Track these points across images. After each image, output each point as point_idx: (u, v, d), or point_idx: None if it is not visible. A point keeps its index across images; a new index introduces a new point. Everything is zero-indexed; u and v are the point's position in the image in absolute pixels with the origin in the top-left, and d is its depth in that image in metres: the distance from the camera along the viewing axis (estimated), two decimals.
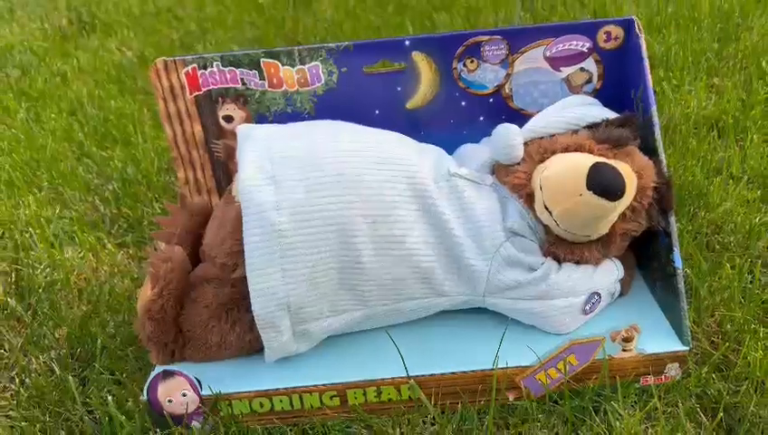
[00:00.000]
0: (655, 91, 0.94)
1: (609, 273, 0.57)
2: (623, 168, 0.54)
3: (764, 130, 0.85)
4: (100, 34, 1.45)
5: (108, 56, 1.32)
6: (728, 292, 0.63)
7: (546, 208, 0.54)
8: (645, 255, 0.61)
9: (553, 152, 0.57)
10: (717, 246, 0.69)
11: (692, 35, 1.07)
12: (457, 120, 0.66)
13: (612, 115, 0.60)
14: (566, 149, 0.56)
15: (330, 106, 0.66)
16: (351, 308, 0.56)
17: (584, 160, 0.52)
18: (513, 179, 0.57)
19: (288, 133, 0.57)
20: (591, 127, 0.59)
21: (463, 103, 0.66)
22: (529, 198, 0.56)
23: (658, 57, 1.01)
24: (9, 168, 0.94)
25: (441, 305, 0.58)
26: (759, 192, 0.75)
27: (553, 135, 0.58)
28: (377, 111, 0.66)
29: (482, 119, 0.66)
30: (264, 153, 0.54)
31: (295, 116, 0.66)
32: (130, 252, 0.79)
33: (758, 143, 0.81)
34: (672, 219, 0.56)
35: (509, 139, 0.56)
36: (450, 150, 0.65)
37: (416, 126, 0.67)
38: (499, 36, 0.62)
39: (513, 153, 0.57)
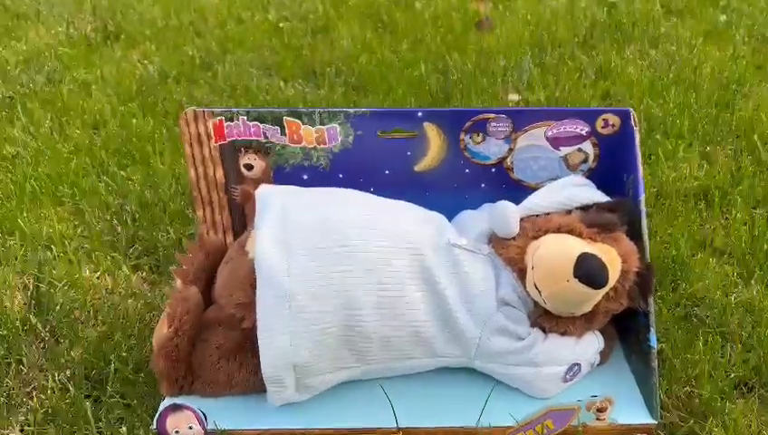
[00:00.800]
0: (650, 157, 0.99)
1: (590, 344, 0.62)
2: (608, 254, 0.59)
3: (750, 204, 0.90)
4: (123, 45, 1.49)
5: (130, 69, 1.37)
6: (699, 366, 0.68)
7: (536, 287, 0.59)
8: (624, 327, 0.66)
9: (546, 231, 0.62)
10: (695, 320, 0.74)
11: (691, 102, 1.12)
12: (461, 185, 0.71)
13: (604, 198, 0.65)
14: (558, 230, 0.61)
15: (344, 164, 0.71)
16: (352, 365, 0.61)
17: (573, 248, 0.57)
18: (508, 253, 0.62)
19: (303, 202, 0.62)
20: (584, 208, 0.64)
21: (467, 171, 0.71)
22: (521, 273, 0.61)
23: (657, 122, 1.06)
24: (34, 181, 0.98)
25: (435, 365, 0.63)
26: (738, 268, 0.80)
27: (548, 213, 0.63)
28: (387, 172, 0.71)
29: (483, 186, 0.71)
30: (279, 223, 0.60)
31: (311, 170, 0.71)
32: (144, 275, 0.84)
33: (742, 219, 0.87)
34: (651, 301, 0.61)
35: (507, 216, 0.61)
36: (452, 212, 0.70)
37: (422, 187, 0.72)
38: (504, 115, 0.67)
39: (509, 230, 0.62)
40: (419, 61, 1.32)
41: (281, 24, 1.55)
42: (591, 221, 0.61)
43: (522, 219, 0.63)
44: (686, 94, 1.14)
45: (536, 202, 0.64)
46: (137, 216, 0.92)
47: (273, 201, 0.62)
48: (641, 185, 0.63)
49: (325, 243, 0.58)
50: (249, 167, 0.72)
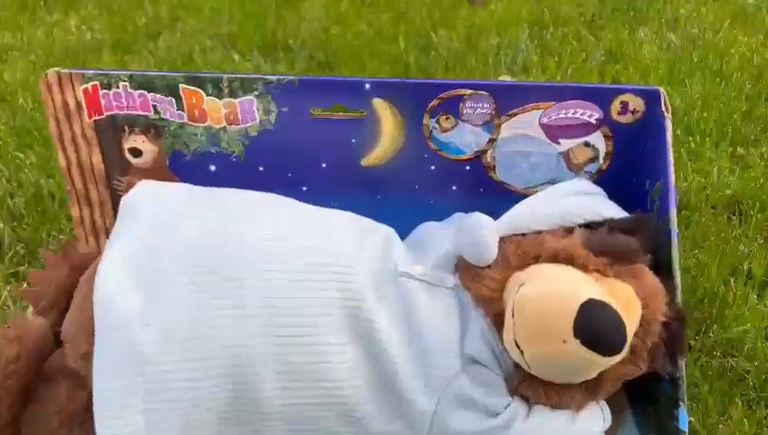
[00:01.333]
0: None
1: (592, 422, 0.44)
2: (625, 297, 0.41)
3: None
4: (62, 7, 1.30)
5: (62, 35, 1.18)
6: None
7: (517, 345, 0.40)
8: (639, 393, 0.48)
9: (536, 258, 0.43)
10: (731, 376, 0.56)
11: (718, 92, 0.93)
12: (424, 186, 0.53)
13: (619, 214, 0.46)
14: (554, 258, 0.43)
15: (264, 152, 0.52)
16: None
17: (574, 289, 0.39)
18: (481, 288, 0.43)
19: (188, 210, 0.43)
20: (590, 226, 0.45)
21: (432, 168, 0.52)
22: (497, 318, 0.42)
23: (678, 114, 0.88)
24: None
25: None
26: None
27: (540, 232, 0.45)
28: (323, 165, 0.52)
29: (454, 188, 0.53)
30: (142, 241, 0.41)
31: (220, 158, 0.52)
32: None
33: None
34: (683, 364, 0.43)
35: (480, 235, 0.43)
36: (410, 224, 0.52)
37: (371, 188, 0.53)
38: (485, 92, 0.49)
39: (483, 254, 0.43)
40: (399, 36, 1.13)
41: None
42: (601, 246, 0.43)
43: (502, 240, 0.44)
44: (712, 83, 0.95)
45: (523, 215, 0.45)
46: (23, 212, 0.73)
47: (142, 209, 0.44)
48: (672, 195, 0.45)
49: (209, 272, 0.40)
50: (136, 152, 0.53)
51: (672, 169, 0.45)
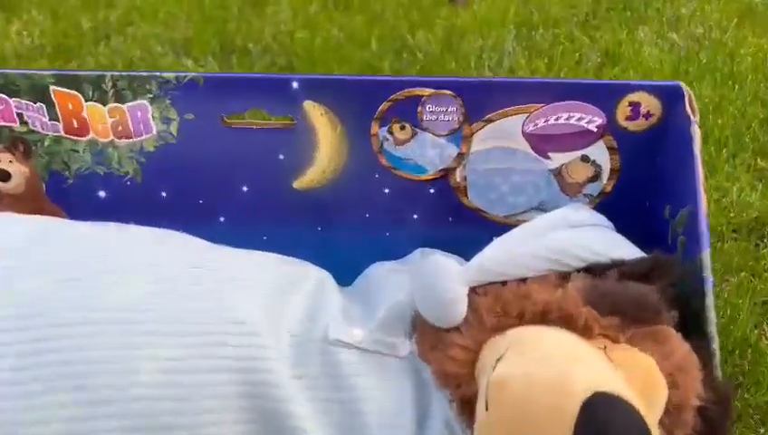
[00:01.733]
0: None
1: None
2: (644, 376, 0.29)
3: None
4: (3, 13, 1.18)
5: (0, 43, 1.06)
6: None
7: None
8: None
9: (520, 317, 0.31)
10: None
11: (732, 96, 0.82)
12: (376, 215, 0.41)
13: (632, 253, 0.34)
14: (544, 317, 0.31)
15: (166, 172, 0.40)
16: None
17: (573, 379, 0.27)
18: (445, 362, 0.31)
19: (32, 256, 0.31)
20: (592, 271, 0.33)
21: (386, 191, 0.40)
22: (466, 405, 0.30)
23: None
24: None
25: None
26: None
27: (525, 279, 0.33)
28: (244, 188, 0.40)
29: (415, 217, 0.41)
30: None
31: (112, 181, 0.40)
32: None
33: None
34: None
35: (441, 288, 0.31)
36: (361, 261, 0.40)
37: (308, 218, 0.41)
38: (449, 91, 0.37)
39: (447, 314, 0.31)
40: (371, 40, 1.02)
41: None
42: (609, 301, 0.31)
43: (474, 290, 0.32)
44: (724, 86, 0.84)
45: (502, 257, 0.33)
46: None
47: None
48: (705, 227, 0.33)
49: (36, 358, 0.28)
50: (2, 175, 0.41)
51: (703, 191, 0.33)
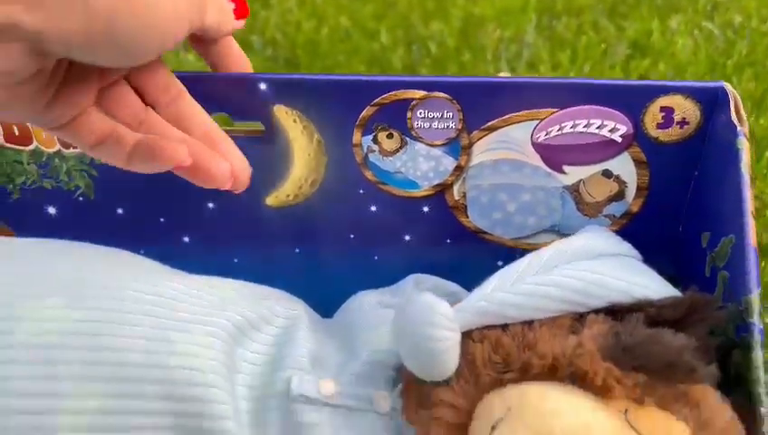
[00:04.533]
0: None
1: None
2: None
3: None
4: None
5: None
6: None
7: None
8: None
9: (524, 371, 0.26)
10: None
11: None
12: (362, 236, 0.35)
13: (662, 291, 0.28)
14: (552, 372, 0.25)
15: (121, 187, 0.35)
16: None
17: None
18: (431, 426, 0.26)
19: None
20: (614, 314, 0.27)
21: (373, 209, 0.34)
22: None
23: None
24: None
25: None
26: None
27: (532, 322, 0.27)
28: (210, 205, 0.35)
29: (408, 239, 0.35)
30: None
31: (61, 197, 0.35)
32: None
33: None
34: None
35: (428, 335, 0.25)
36: (346, 288, 0.35)
37: (283, 238, 0.36)
38: (444, 94, 0.31)
39: (435, 366, 0.26)
40: (381, 30, 0.96)
41: None
42: (633, 355, 0.25)
43: (470, 336, 0.27)
44: (766, 81, 0.77)
45: (503, 295, 0.28)
46: None
47: None
48: (754, 265, 0.27)
49: None
50: None
51: (751, 217, 0.27)
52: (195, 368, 0.25)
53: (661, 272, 0.30)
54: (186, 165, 0.25)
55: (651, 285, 0.28)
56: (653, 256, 0.30)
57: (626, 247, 0.31)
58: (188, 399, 0.25)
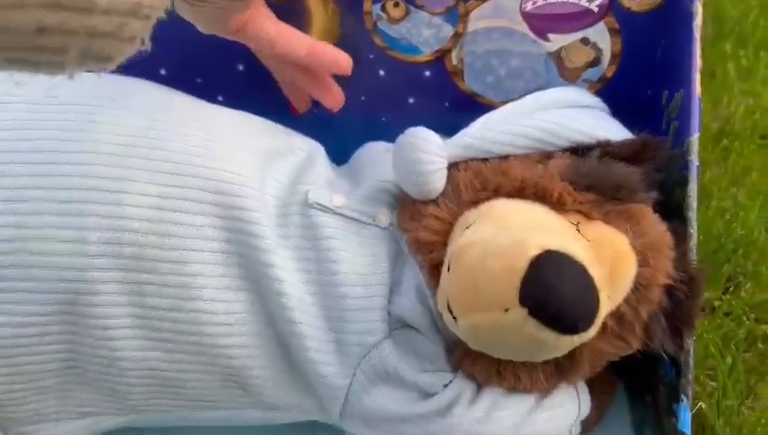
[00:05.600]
0: (713, 76, 0.65)
1: (561, 413, 0.33)
2: (610, 248, 0.29)
3: None
4: None
5: None
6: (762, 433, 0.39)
7: (449, 308, 0.29)
8: (634, 377, 0.36)
9: (497, 191, 0.31)
10: (761, 345, 0.44)
11: None
12: (372, 98, 0.41)
13: (622, 135, 0.34)
14: (520, 191, 0.31)
15: (161, 50, 0.40)
16: (105, 412, 0.33)
17: (527, 239, 0.27)
18: (419, 230, 0.32)
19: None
20: (579, 152, 0.33)
21: (381, 73, 0.40)
22: (435, 270, 0.31)
23: (729, 24, 0.72)
24: None
25: (270, 420, 0.35)
26: None
27: (508, 156, 0.33)
28: (240, 67, 0.41)
29: (412, 101, 0.41)
30: None
31: None
32: None
33: None
34: (689, 344, 0.31)
35: (418, 159, 0.31)
36: (353, 147, 0.40)
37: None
38: None
39: (423, 185, 0.32)
40: None
41: None
42: (587, 178, 0.31)
43: (456, 166, 0.33)
44: None
45: (485, 132, 0.33)
46: None
47: None
48: (696, 111, 0.32)
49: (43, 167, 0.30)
50: None
51: (697, 74, 0.32)
52: (233, 172, 0.31)
53: (630, 130, 0.35)
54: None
55: (612, 130, 0.34)
56: (624, 115, 0.35)
57: (596, 102, 0.36)
58: (233, 194, 0.31)
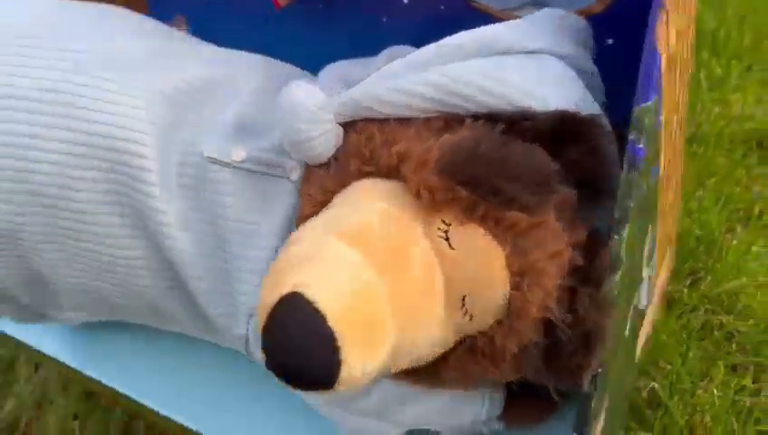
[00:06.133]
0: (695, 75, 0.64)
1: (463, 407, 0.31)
2: (480, 258, 0.24)
3: None
4: None
5: None
6: (715, 414, 0.37)
7: None
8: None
9: (378, 166, 0.26)
10: (715, 333, 0.43)
11: (758, 5, 0.76)
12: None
13: (568, 99, 0.26)
14: (397, 171, 0.26)
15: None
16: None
17: (287, 274, 0.23)
18: (304, 204, 0.28)
19: None
20: (493, 119, 0.26)
21: None
22: None
23: (707, 36, 0.72)
24: None
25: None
26: None
27: (409, 119, 0.27)
28: None
29: (406, 2, 0.36)
30: None
31: None
32: None
33: None
34: (597, 371, 0.25)
35: (295, 128, 0.27)
36: (353, 54, 0.35)
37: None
38: None
39: (308, 150, 0.27)
40: None
41: None
42: (471, 167, 0.24)
43: (353, 126, 0.28)
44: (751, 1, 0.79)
45: (370, 88, 0.27)
46: None
47: None
48: (654, 72, 0.24)
49: None
50: None
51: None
52: (136, 127, 0.28)
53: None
54: None
55: (550, 94, 0.26)
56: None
57: (584, 25, 0.29)
58: (119, 138, 0.28)
